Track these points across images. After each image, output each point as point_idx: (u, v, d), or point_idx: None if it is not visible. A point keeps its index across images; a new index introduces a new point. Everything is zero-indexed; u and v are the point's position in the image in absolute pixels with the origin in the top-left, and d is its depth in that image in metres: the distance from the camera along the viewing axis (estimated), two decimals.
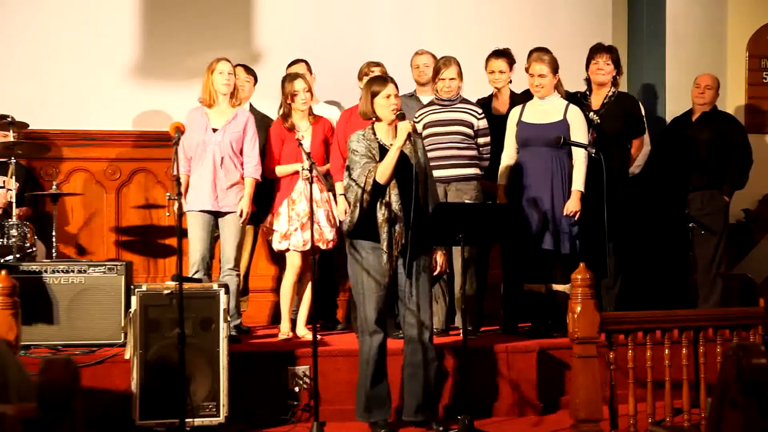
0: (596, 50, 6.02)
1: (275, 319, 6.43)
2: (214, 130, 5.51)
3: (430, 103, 5.88)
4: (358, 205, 4.61)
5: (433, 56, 6.12)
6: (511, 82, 6.12)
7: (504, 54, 6.03)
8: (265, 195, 5.75)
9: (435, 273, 4.87)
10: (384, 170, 4.58)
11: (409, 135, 4.57)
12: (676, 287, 6.38)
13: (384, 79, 4.83)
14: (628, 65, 7.41)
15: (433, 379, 4.78)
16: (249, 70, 6.27)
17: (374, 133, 4.73)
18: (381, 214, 4.61)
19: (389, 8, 7.19)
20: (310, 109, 5.74)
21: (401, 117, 4.65)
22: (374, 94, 4.71)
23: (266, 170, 5.65)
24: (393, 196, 4.61)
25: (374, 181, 4.58)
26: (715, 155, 6.37)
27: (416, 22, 7.16)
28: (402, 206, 4.61)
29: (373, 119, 4.75)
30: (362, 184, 4.59)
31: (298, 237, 5.54)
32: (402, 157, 4.61)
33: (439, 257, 4.87)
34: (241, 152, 5.57)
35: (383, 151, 4.66)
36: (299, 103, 5.62)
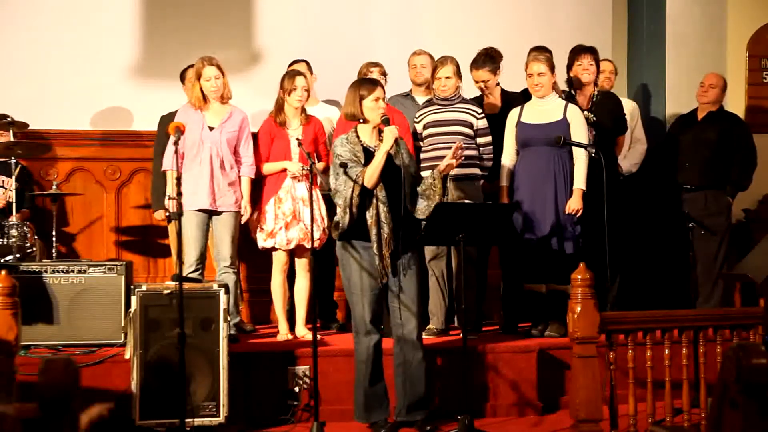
0: (579, 51, 5.99)
1: (259, 318, 6.44)
2: (211, 129, 5.50)
3: (430, 103, 5.88)
4: (347, 211, 4.60)
5: (431, 57, 6.13)
6: (498, 84, 6.12)
7: (485, 62, 6.01)
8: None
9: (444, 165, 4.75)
10: (371, 175, 4.58)
11: (396, 140, 4.59)
12: (676, 287, 6.37)
13: (372, 82, 4.82)
14: (628, 65, 7.42)
15: (424, 378, 4.76)
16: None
17: (357, 136, 4.73)
18: (369, 216, 4.61)
19: (389, 8, 7.19)
20: (304, 109, 5.73)
21: (387, 122, 4.65)
22: (363, 97, 4.70)
23: (256, 171, 5.65)
24: (380, 198, 4.61)
25: (362, 185, 4.58)
26: (719, 155, 6.35)
27: (416, 22, 7.16)
28: (390, 208, 4.61)
29: (359, 121, 4.75)
30: (350, 190, 4.59)
31: (282, 236, 5.53)
32: (387, 159, 4.61)
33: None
34: (236, 151, 5.57)
35: (367, 153, 4.66)
36: (294, 99, 5.60)
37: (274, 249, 5.59)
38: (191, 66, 5.92)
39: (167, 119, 5.86)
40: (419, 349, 4.73)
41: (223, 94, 5.56)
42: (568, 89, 6.02)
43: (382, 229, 4.60)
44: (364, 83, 4.81)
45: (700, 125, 6.44)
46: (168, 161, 5.46)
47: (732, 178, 6.38)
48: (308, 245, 5.51)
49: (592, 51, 5.99)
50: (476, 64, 6.02)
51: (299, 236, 5.50)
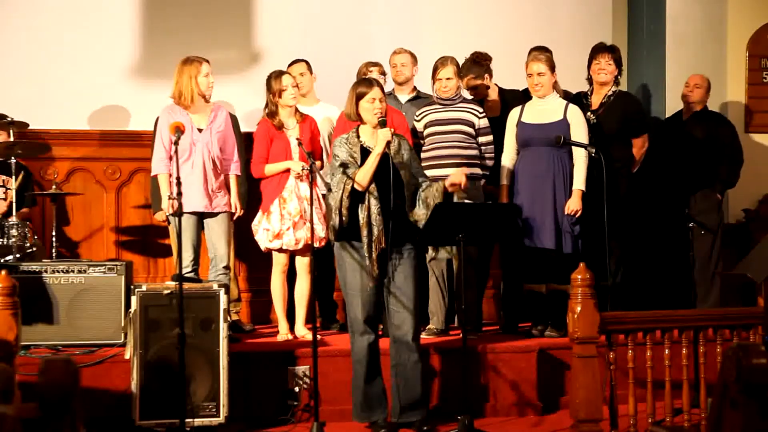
0: (598, 50, 6.05)
1: (257, 319, 6.44)
2: (200, 131, 5.47)
3: (431, 102, 5.88)
4: (338, 212, 4.61)
5: (412, 55, 6.15)
6: (489, 87, 6.13)
7: (470, 69, 6.01)
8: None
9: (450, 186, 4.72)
10: (362, 177, 4.58)
11: (388, 143, 4.58)
12: (677, 287, 6.38)
13: (369, 81, 4.81)
14: (628, 65, 7.40)
15: (419, 379, 4.75)
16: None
17: (358, 136, 4.73)
18: (362, 217, 4.61)
19: (389, 8, 7.19)
20: (296, 108, 5.72)
21: (383, 123, 4.64)
22: (359, 97, 4.71)
23: (255, 169, 5.64)
24: (372, 199, 4.61)
25: (353, 187, 4.58)
26: (707, 154, 6.39)
27: (416, 22, 7.16)
28: (382, 209, 4.61)
29: (358, 121, 4.75)
30: (341, 191, 4.59)
31: (290, 236, 5.51)
32: (383, 160, 4.60)
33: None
34: (222, 150, 5.53)
35: (366, 154, 4.66)
36: (288, 98, 5.58)
37: (280, 250, 5.58)
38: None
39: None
40: (414, 351, 4.72)
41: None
42: (589, 86, 6.08)
43: (372, 230, 4.60)
44: (362, 83, 4.80)
45: (687, 125, 6.48)
46: (158, 165, 5.45)
47: (721, 176, 6.43)
48: (316, 245, 5.52)
49: (611, 50, 6.03)
50: (465, 69, 6.02)
51: (306, 236, 5.48)
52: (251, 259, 6.40)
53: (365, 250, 4.61)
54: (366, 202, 4.61)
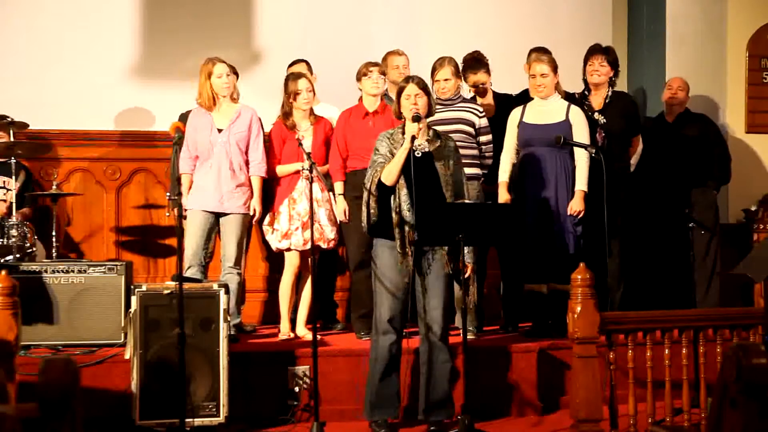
0: (592, 51, 6.06)
1: (270, 318, 6.44)
2: (219, 131, 5.51)
3: None
4: (366, 206, 4.65)
5: (407, 57, 6.13)
6: (490, 85, 6.14)
7: (479, 65, 6.02)
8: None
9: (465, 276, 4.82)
10: (389, 171, 4.59)
11: (413, 137, 4.58)
12: (677, 287, 6.38)
13: (408, 78, 4.84)
14: (628, 65, 7.42)
15: (446, 378, 4.75)
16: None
17: (402, 133, 4.73)
18: (394, 214, 4.62)
19: (389, 8, 7.19)
20: (312, 109, 5.74)
21: (416, 119, 4.63)
22: (399, 93, 4.74)
23: (267, 169, 5.66)
24: (402, 196, 4.61)
25: (380, 181, 4.59)
26: (698, 153, 6.42)
27: (416, 22, 7.16)
28: (411, 206, 4.61)
29: (403, 118, 4.77)
30: (369, 184, 4.63)
31: (298, 236, 5.53)
32: (428, 159, 4.59)
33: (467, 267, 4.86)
34: (246, 151, 5.56)
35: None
36: (301, 102, 5.61)
37: (288, 250, 5.59)
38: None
39: (184, 118, 5.86)
40: (443, 351, 4.73)
41: (233, 93, 5.58)
42: (584, 88, 6.08)
43: (404, 227, 4.60)
44: (403, 80, 4.84)
45: (676, 126, 6.50)
46: (182, 164, 5.52)
47: (714, 173, 6.46)
48: (324, 245, 5.54)
49: (605, 52, 6.04)
50: (471, 68, 6.02)
51: (315, 237, 5.48)
52: (265, 259, 6.40)
53: (398, 247, 4.62)
54: (397, 199, 4.62)
